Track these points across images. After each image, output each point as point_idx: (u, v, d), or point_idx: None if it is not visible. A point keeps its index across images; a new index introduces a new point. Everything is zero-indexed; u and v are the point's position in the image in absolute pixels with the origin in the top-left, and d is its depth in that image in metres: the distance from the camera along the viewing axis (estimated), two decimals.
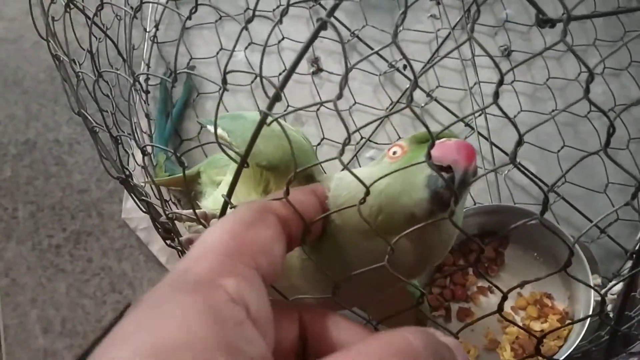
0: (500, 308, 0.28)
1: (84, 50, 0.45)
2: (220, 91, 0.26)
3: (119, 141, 0.37)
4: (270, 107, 0.24)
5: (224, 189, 0.42)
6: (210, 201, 0.42)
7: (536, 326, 0.47)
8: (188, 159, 0.56)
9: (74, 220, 0.61)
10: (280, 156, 0.34)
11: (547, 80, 0.65)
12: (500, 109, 0.23)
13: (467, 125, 0.63)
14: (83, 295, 0.59)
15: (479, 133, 0.62)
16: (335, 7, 0.22)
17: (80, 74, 0.38)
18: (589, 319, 0.45)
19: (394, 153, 0.31)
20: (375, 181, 0.25)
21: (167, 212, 0.33)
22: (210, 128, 0.40)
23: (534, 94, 0.66)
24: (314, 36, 0.22)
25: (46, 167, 0.62)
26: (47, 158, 0.62)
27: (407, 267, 0.29)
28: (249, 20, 0.24)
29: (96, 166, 0.62)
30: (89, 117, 0.39)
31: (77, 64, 0.40)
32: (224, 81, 0.25)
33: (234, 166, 0.40)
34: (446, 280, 0.51)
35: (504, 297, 0.28)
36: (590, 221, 0.59)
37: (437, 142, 0.29)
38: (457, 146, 0.28)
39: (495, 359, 0.48)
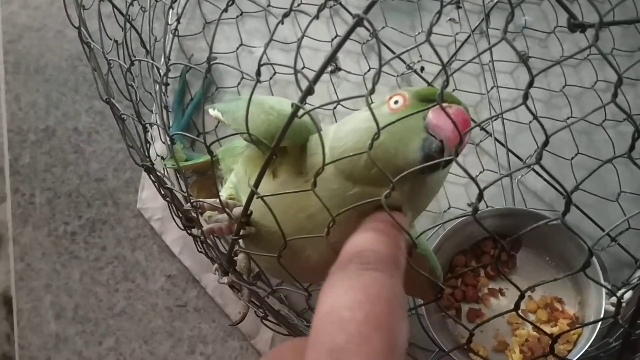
0: (517, 306, 0.28)
1: (110, 39, 0.46)
2: (239, 84, 0.27)
3: (147, 129, 0.38)
4: (303, 99, 0.25)
5: (232, 177, 0.42)
6: (223, 189, 0.43)
7: (546, 330, 0.48)
8: (204, 151, 0.57)
9: (89, 208, 0.62)
10: (265, 129, 0.34)
11: (563, 87, 0.66)
12: (529, 109, 0.23)
13: (482, 129, 0.63)
14: (96, 283, 0.60)
15: (496, 139, 0.62)
16: (371, 5, 0.23)
17: (111, 61, 0.39)
18: (599, 324, 0.45)
19: (395, 103, 0.32)
20: (374, 136, 0.26)
21: (191, 200, 0.33)
22: (211, 112, 0.41)
23: (550, 101, 0.66)
24: (350, 32, 0.23)
25: (64, 155, 0.63)
26: (66, 146, 0.63)
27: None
28: (286, 15, 0.25)
29: (113, 156, 0.63)
30: (117, 105, 0.40)
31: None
32: (258, 73, 0.26)
33: (246, 154, 0.41)
34: (458, 281, 0.51)
35: (522, 296, 0.28)
36: (602, 229, 0.59)
37: (438, 106, 0.29)
38: (453, 119, 0.28)
39: None
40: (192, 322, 0.60)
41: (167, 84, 0.62)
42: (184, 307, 0.60)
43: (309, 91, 0.25)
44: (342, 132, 0.33)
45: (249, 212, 0.31)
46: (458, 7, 0.68)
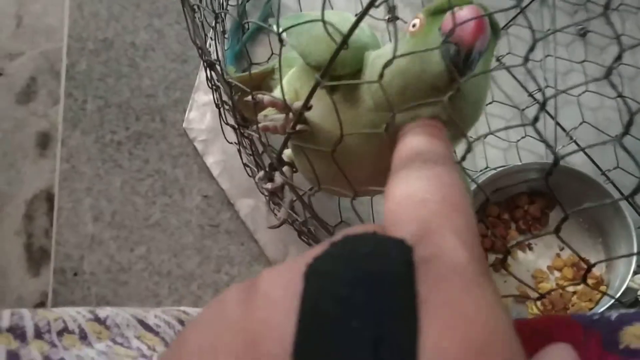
0: (558, 229, 0.29)
1: None
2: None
3: (221, 18, 0.39)
4: (369, 7, 0.25)
5: (286, 82, 0.43)
6: (277, 91, 0.44)
7: (570, 288, 0.48)
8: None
9: (137, 122, 0.64)
10: (327, 57, 0.35)
11: (618, 65, 0.65)
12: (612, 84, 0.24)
13: (530, 95, 0.63)
14: (135, 193, 0.62)
15: (546, 111, 0.62)
16: None
17: None
18: (624, 286, 0.45)
19: (414, 26, 0.33)
20: (386, 63, 0.27)
21: (252, 93, 0.34)
22: (274, 27, 0.41)
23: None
24: None
25: (119, 67, 0.65)
26: (122, 59, 0.65)
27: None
28: None
29: (166, 74, 0.65)
30: None
31: None
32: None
33: (301, 61, 0.42)
34: (488, 231, 0.52)
35: (565, 217, 0.29)
36: (637, 210, 0.60)
37: (450, 12, 0.30)
38: (463, 20, 0.29)
39: (522, 311, 0.49)
40: (222, 242, 0.61)
41: (226, 10, 0.63)
42: (216, 228, 0.62)
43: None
44: (377, 65, 0.33)
45: (309, 105, 0.32)
46: None
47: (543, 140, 0.28)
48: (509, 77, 0.64)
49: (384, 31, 0.66)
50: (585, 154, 0.63)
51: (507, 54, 0.64)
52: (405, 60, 0.31)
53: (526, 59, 0.27)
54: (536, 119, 0.29)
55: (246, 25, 0.65)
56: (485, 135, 0.58)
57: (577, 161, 0.63)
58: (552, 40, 0.65)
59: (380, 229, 0.23)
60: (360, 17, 0.27)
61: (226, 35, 0.63)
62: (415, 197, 0.23)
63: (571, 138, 0.62)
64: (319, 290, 0.18)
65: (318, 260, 0.19)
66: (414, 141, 0.28)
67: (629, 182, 0.61)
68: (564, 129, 0.63)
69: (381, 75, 0.27)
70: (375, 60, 0.35)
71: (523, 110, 0.64)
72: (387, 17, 0.66)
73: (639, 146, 0.62)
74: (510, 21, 0.66)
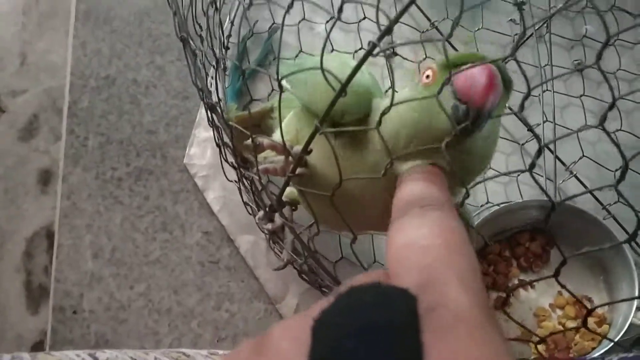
0: (557, 272, 0.29)
1: None
2: (297, 56, 0.28)
3: (222, 60, 0.39)
4: (380, 38, 0.26)
5: (286, 123, 0.43)
6: (277, 134, 0.44)
7: (572, 326, 0.48)
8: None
9: (138, 158, 0.64)
10: (325, 105, 0.35)
11: (616, 100, 0.66)
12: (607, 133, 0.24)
13: (530, 130, 0.64)
14: (135, 229, 0.62)
15: (543, 142, 0.62)
16: None
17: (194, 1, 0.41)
18: (626, 326, 0.45)
19: (427, 77, 0.33)
20: (384, 111, 0.28)
21: (252, 136, 0.35)
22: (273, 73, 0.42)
23: (600, 112, 0.66)
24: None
25: (121, 104, 0.65)
26: (124, 95, 0.66)
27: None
28: None
29: (167, 111, 0.65)
30: (191, 42, 0.42)
31: None
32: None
33: (298, 104, 0.42)
34: (489, 268, 0.52)
35: (563, 262, 0.29)
36: (637, 252, 0.59)
37: (462, 69, 0.30)
38: (475, 80, 0.29)
39: (525, 351, 0.49)
40: (222, 279, 0.61)
41: (227, 48, 0.64)
42: (216, 264, 0.62)
43: (389, 30, 0.26)
44: (390, 113, 0.34)
45: (309, 150, 0.32)
46: (521, 9, 0.69)
47: (543, 190, 0.28)
48: (507, 111, 0.65)
49: (383, 66, 0.67)
50: (585, 187, 0.63)
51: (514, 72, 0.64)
52: (416, 113, 0.31)
53: (522, 107, 0.27)
54: (533, 164, 0.29)
55: (246, 62, 0.65)
56: (484, 180, 0.59)
57: (579, 195, 0.64)
58: (549, 74, 0.66)
59: (385, 276, 0.23)
60: (358, 66, 0.27)
61: (227, 73, 0.64)
62: (416, 245, 0.23)
63: (571, 173, 0.62)
64: (326, 343, 0.18)
65: (325, 313, 0.20)
66: (413, 187, 0.29)
67: (631, 216, 0.61)
68: (564, 164, 0.63)
69: (379, 123, 0.27)
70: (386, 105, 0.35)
71: (523, 144, 0.64)
72: (386, 54, 0.67)
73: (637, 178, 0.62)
74: (507, 56, 0.67)
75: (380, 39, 0.26)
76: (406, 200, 0.27)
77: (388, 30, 0.26)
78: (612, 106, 0.24)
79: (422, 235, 0.23)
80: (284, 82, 0.34)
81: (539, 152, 0.28)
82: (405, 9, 0.26)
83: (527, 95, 0.26)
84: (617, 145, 0.25)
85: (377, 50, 0.26)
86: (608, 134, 0.25)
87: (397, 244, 0.24)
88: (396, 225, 0.25)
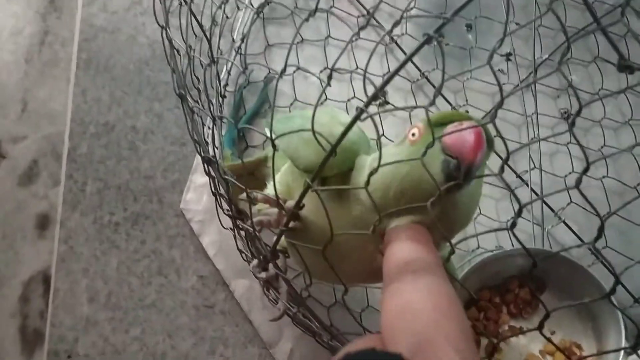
0: (541, 325, 0.30)
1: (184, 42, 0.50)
2: (291, 104, 0.30)
3: (220, 122, 0.41)
4: (368, 104, 0.27)
5: (280, 175, 0.45)
6: (271, 186, 0.45)
7: None
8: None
9: (135, 203, 0.65)
10: (315, 161, 0.36)
11: (602, 147, 0.68)
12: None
13: (518, 177, 0.65)
14: (131, 273, 0.63)
15: (531, 189, 0.64)
16: (442, 26, 0.25)
17: (193, 57, 0.43)
18: None
19: (413, 135, 0.35)
20: (372, 172, 0.30)
21: (247, 191, 0.36)
22: (267, 132, 0.43)
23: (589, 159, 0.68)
24: (420, 47, 0.26)
25: (119, 150, 0.67)
26: (122, 142, 0.67)
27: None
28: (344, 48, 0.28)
29: (164, 157, 0.67)
30: (189, 99, 0.43)
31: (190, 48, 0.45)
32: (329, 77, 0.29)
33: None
34: (480, 314, 0.53)
35: (547, 316, 0.30)
36: (627, 290, 0.60)
37: (450, 126, 0.32)
38: (465, 138, 0.31)
39: None
40: (217, 323, 0.62)
41: (224, 96, 0.66)
42: (211, 308, 0.62)
43: (375, 96, 0.27)
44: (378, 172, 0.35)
45: (301, 204, 0.33)
46: (508, 60, 0.71)
47: (524, 247, 0.30)
48: (496, 157, 0.67)
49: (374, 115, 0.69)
50: (574, 233, 0.64)
51: (495, 136, 0.66)
52: (405, 168, 0.33)
53: (503, 169, 0.29)
54: (514, 224, 0.31)
55: (243, 110, 0.67)
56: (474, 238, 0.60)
57: (567, 240, 0.65)
58: (536, 123, 0.68)
59: (379, 341, 0.24)
60: (344, 132, 0.29)
61: (224, 121, 0.65)
62: (408, 310, 0.24)
63: (560, 219, 0.64)
64: None
65: None
66: (402, 250, 0.30)
67: (621, 260, 0.63)
68: (552, 209, 0.65)
69: (367, 183, 0.29)
70: (373, 163, 0.36)
71: (512, 191, 0.65)
72: (378, 102, 0.69)
73: (626, 225, 0.63)
74: (492, 110, 0.69)
75: (367, 104, 0.27)
76: (396, 265, 0.29)
77: (375, 96, 0.27)
78: (579, 111, 0.25)
79: (413, 299, 0.25)
80: (276, 141, 0.36)
81: (520, 211, 0.29)
82: (391, 77, 0.27)
83: (507, 158, 0.27)
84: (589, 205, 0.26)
85: (364, 115, 0.28)
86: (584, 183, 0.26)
87: (391, 308, 0.25)
88: (389, 290, 0.27)
